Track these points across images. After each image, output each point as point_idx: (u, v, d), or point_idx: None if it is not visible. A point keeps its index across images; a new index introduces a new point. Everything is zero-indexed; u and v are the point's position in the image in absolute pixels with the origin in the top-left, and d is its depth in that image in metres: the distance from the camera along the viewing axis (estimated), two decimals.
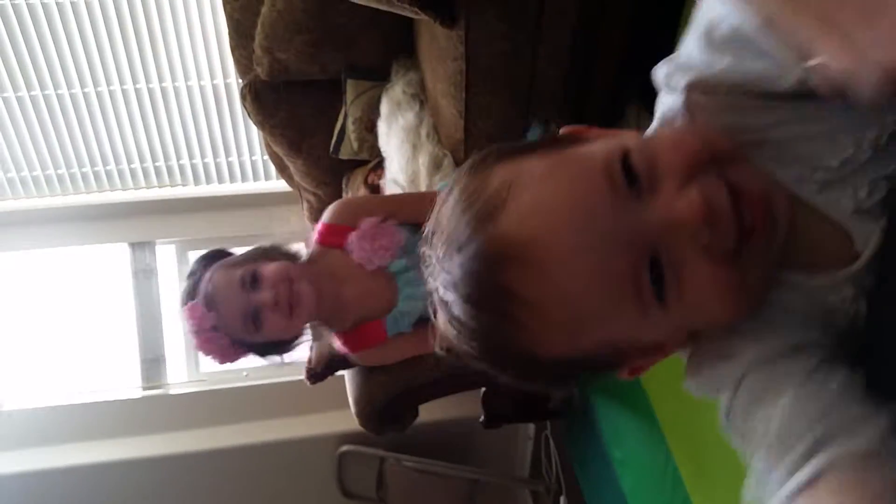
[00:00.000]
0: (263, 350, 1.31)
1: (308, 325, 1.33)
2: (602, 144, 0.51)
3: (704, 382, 0.56)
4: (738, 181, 0.48)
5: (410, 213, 1.41)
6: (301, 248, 1.41)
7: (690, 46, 0.54)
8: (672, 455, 1.76)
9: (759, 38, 0.46)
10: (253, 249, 1.36)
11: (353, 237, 1.34)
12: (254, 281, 1.24)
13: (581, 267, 0.47)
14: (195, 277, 1.30)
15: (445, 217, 0.54)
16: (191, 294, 1.29)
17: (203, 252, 1.37)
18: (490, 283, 0.49)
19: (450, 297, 0.52)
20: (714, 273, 0.48)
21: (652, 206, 0.47)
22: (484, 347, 0.53)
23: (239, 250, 1.38)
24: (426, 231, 0.57)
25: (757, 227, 0.48)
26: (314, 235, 1.39)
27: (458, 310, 0.52)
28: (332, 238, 1.37)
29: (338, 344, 1.36)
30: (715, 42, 0.51)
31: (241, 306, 1.23)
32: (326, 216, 1.40)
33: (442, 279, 0.53)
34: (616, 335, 0.51)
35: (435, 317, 0.56)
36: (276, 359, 1.34)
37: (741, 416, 0.52)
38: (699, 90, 0.54)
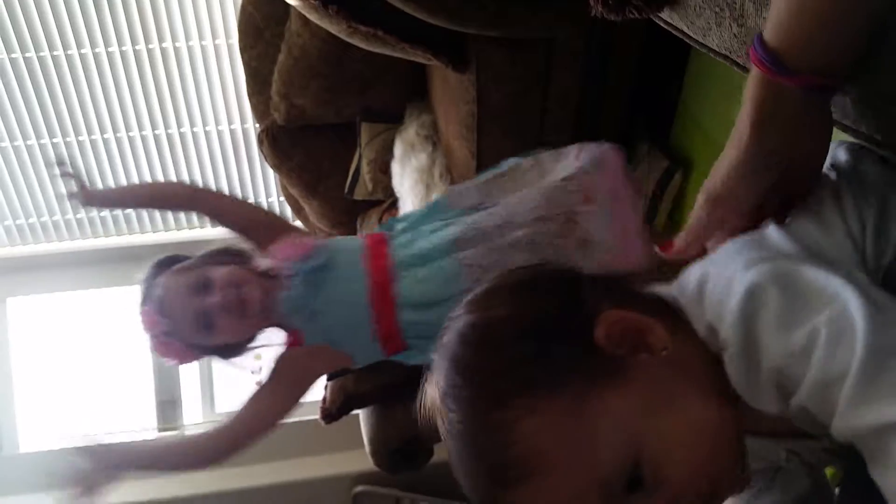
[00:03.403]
0: (218, 353, 1.32)
1: (261, 328, 1.33)
2: (619, 432, 0.49)
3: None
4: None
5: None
6: (253, 250, 1.40)
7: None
8: None
9: None
10: (205, 253, 1.37)
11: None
12: (205, 285, 1.26)
13: None
14: (148, 283, 1.31)
15: (451, 446, 0.54)
16: (143, 300, 1.30)
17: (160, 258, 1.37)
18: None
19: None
20: None
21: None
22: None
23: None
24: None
25: None
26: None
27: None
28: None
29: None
30: None
31: (193, 311, 1.24)
32: None
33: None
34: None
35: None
36: (236, 361, 1.34)
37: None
38: None
